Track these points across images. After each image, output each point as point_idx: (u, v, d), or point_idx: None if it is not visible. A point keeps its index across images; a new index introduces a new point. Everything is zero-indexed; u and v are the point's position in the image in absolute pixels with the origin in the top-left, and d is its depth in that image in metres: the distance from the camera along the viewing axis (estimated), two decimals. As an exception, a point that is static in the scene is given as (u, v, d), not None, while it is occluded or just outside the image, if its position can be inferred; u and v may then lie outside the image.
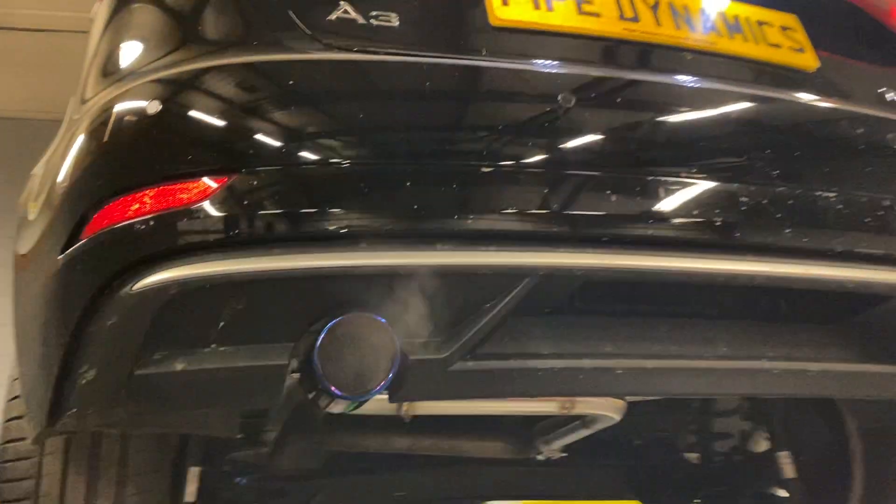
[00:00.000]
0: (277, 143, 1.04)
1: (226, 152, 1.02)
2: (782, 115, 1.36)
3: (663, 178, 1.14)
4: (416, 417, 1.61)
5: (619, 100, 1.22)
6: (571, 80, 1.20)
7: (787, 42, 1.46)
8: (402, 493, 2.14)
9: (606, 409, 1.47)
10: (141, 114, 1.05)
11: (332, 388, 1.00)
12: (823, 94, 1.43)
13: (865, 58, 1.56)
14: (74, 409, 1.09)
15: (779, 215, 1.19)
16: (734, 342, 1.24)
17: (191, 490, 1.55)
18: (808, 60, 1.46)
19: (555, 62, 1.27)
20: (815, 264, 1.19)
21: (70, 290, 1.08)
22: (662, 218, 1.12)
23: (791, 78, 1.44)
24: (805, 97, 1.42)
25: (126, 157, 1.06)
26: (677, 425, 2.41)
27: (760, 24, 1.46)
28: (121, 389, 1.06)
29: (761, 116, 1.34)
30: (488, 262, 1.04)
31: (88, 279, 1.04)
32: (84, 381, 1.06)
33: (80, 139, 1.12)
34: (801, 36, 1.48)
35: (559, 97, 1.13)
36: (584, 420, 1.58)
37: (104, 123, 1.09)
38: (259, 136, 1.04)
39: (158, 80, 1.08)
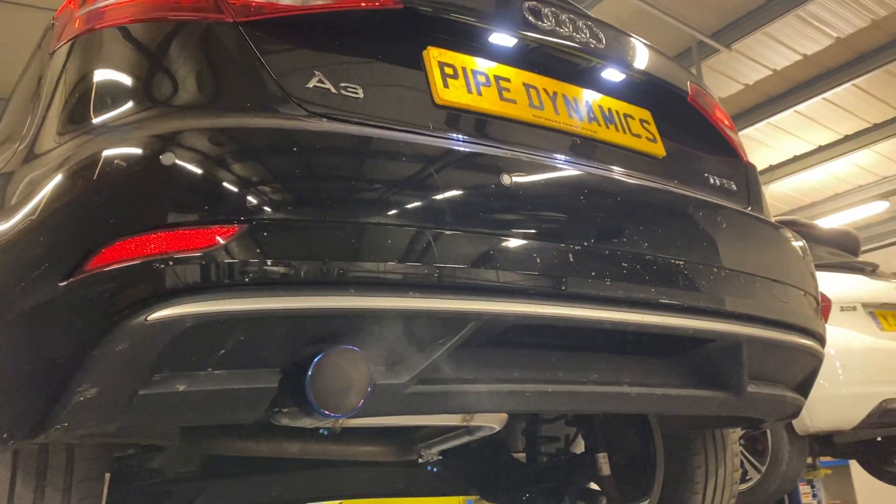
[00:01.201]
0: (277, 201, 1.22)
1: (238, 205, 1.19)
2: (641, 195, 1.73)
3: (569, 246, 1.45)
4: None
5: (536, 178, 1.52)
6: (501, 158, 1.48)
7: (644, 133, 1.86)
8: (278, 493, 2.31)
9: (493, 421, 1.78)
10: (157, 164, 1.18)
11: (320, 408, 1.21)
12: (668, 178, 1.84)
13: (698, 148, 2.01)
14: (65, 424, 1.20)
15: (643, 276, 1.54)
16: (603, 371, 1.60)
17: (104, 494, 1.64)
18: (659, 149, 1.87)
19: (485, 140, 1.55)
20: (667, 315, 1.56)
21: (73, 315, 1.18)
22: (569, 275, 1.43)
23: (647, 162, 1.83)
24: (656, 180, 1.81)
25: (142, 200, 1.19)
26: (510, 429, 2.79)
27: (626, 116, 1.84)
28: (121, 407, 1.19)
29: (627, 196, 1.69)
30: (448, 308, 1.30)
31: (99, 307, 1.16)
32: (82, 399, 1.17)
33: (83, 178, 1.22)
34: (653, 128, 1.89)
35: (499, 175, 1.41)
36: (468, 429, 1.87)
37: (111, 169, 1.19)
38: (264, 194, 1.21)
39: (170, 134, 1.22)
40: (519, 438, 2.83)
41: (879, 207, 11.74)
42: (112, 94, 1.34)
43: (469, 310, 1.32)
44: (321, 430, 1.75)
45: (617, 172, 1.71)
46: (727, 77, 8.98)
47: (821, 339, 1.90)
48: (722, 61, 8.64)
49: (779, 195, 11.61)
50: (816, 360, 1.91)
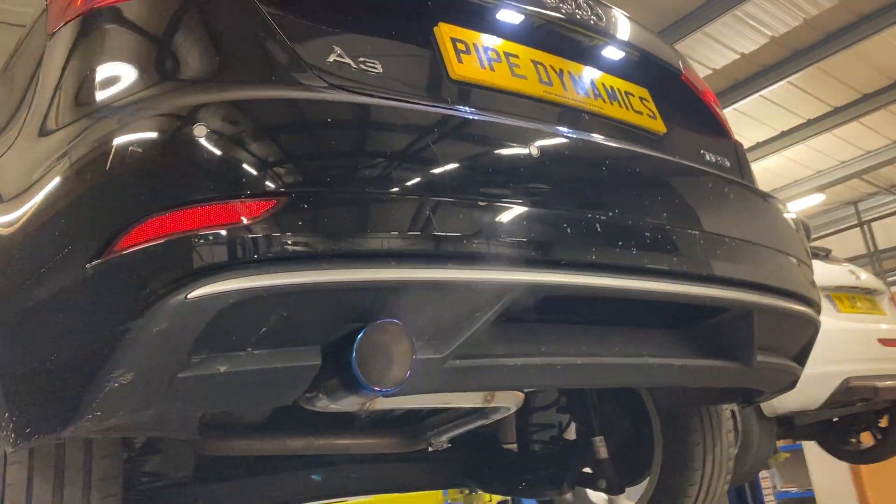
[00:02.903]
0: (317, 173, 1.18)
1: (275, 178, 1.15)
2: (656, 168, 1.74)
3: (595, 217, 1.45)
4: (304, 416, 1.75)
5: (563, 154, 1.51)
6: (527, 131, 1.47)
7: (645, 110, 1.88)
8: (276, 493, 2.25)
9: (511, 401, 1.76)
10: (192, 137, 1.13)
11: (367, 384, 1.18)
12: (670, 154, 1.86)
13: (693, 126, 2.04)
14: (99, 413, 1.13)
15: (663, 246, 1.55)
16: (624, 343, 1.60)
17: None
18: (659, 125, 1.89)
19: (504, 114, 1.54)
20: (687, 284, 1.58)
21: (106, 297, 1.13)
22: (597, 246, 1.43)
23: (650, 139, 1.85)
24: (660, 154, 1.83)
25: (177, 174, 1.14)
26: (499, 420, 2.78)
27: (627, 94, 1.86)
28: (158, 392, 1.13)
29: (644, 168, 1.70)
30: (486, 278, 1.28)
31: (133, 287, 1.10)
32: (116, 385, 1.12)
33: (118, 151, 1.15)
34: (652, 105, 1.91)
35: (528, 148, 1.40)
36: (483, 412, 1.85)
37: (147, 146, 1.14)
38: (303, 166, 1.18)
39: (203, 105, 1.17)
40: (509, 429, 2.82)
41: (816, 199, 12.19)
42: (131, 70, 1.28)
43: (506, 280, 1.30)
44: (318, 419, 1.69)
45: (627, 147, 1.73)
46: (695, 61, 9.13)
47: (818, 308, 1.95)
48: (689, 46, 8.77)
49: (720, 191, 11.87)
50: (815, 328, 1.95)
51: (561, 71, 1.73)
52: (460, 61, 1.54)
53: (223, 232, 1.10)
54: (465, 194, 1.28)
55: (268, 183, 1.13)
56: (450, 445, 2.06)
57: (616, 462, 2.49)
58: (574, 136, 1.59)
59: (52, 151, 1.28)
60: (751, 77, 9.22)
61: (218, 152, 1.13)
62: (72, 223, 1.18)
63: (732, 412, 4.40)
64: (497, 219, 1.30)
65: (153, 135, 1.15)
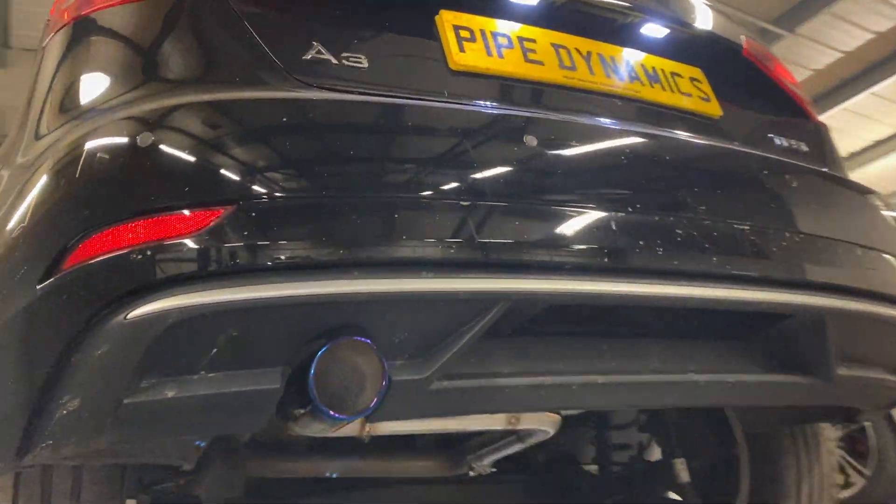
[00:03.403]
0: (270, 178, 1.08)
1: (222, 186, 1.06)
2: (693, 154, 1.53)
3: (610, 214, 1.27)
4: (350, 439, 1.66)
5: (571, 141, 1.34)
6: (526, 120, 1.32)
7: (696, 91, 1.66)
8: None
9: (545, 424, 1.59)
10: (133, 146, 1.06)
11: (327, 410, 1.06)
12: (727, 139, 1.63)
13: (759, 107, 1.79)
14: (50, 441, 1.07)
15: (702, 245, 1.35)
16: (664, 358, 1.39)
17: None
18: (714, 108, 1.66)
19: (509, 104, 1.39)
20: (734, 288, 1.36)
21: (52, 320, 1.07)
22: (612, 248, 1.25)
23: (702, 123, 1.63)
24: (713, 140, 1.61)
25: (117, 187, 1.07)
26: (578, 439, 2.58)
27: (674, 75, 1.65)
28: (106, 418, 1.06)
29: (676, 155, 1.50)
30: (468, 288, 1.13)
31: (76, 308, 1.04)
32: (65, 412, 1.05)
33: (57, 170, 1.11)
34: (706, 87, 1.69)
35: (524, 139, 1.24)
36: (519, 435, 1.69)
37: (84, 156, 1.09)
38: (254, 172, 1.08)
39: (147, 113, 1.10)
40: (587, 448, 2.62)
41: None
42: (92, 81, 1.24)
43: (494, 289, 1.15)
44: (360, 442, 1.59)
45: (664, 133, 1.52)
46: (794, 63, 8.55)
47: None
48: (787, 47, 8.24)
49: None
50: None
51: (588, 54, 1.55)
52: (462, 50, 1.40)
53: (160, 246, 1.02)
54: (438, 192, 1.14)
55: (210, 192, 1.05)
56: (494, 470, 1.90)
57: (700, 487, 2.24)
58: (591, 122, 1.41)
59: (18, 165, 1.25)
60: (888, 57, 8.44)
61: (155, 162, 1.06)
62: (27, 240, 1.13)
63: (863, 427, 3.95)
64: (478, 219, 1.15)
65: (93, 146, 1.09)
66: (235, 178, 1.06)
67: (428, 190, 1.14)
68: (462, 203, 1.14)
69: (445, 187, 1.16)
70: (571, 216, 1.23)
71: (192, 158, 1.06)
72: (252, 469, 1.93)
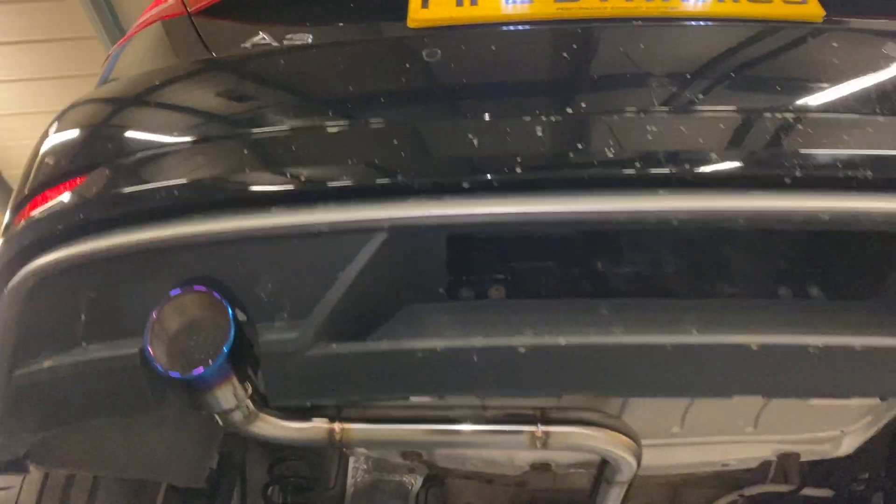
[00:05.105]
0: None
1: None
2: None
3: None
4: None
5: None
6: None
7: (784, -6, 1.23)
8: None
9: (614, 447, 1.16)
10: None
11: (160, 367, 0.92)
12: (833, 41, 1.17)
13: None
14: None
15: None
16: (698, 320, 0.96)
17: None
18: (814, 9, 1.21)
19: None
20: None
21: None
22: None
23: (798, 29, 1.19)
24: (813, 45, 1.16)
25: None
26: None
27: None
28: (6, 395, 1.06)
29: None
30: (327, 220, 0.93)
31: None
32: None
33: None
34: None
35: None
36: (603, 474, 1.26)
37: None
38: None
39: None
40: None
41: None
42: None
43: (367, 218, 0.93)
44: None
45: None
46: None
47: None
48: None
49: None
50: None
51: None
52: (425, 5, 1.25)
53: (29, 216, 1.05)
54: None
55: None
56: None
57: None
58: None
59: None
60: None
61: None
62: None
63: None
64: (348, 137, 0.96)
65: None
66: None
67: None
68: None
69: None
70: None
71: None
72: None
